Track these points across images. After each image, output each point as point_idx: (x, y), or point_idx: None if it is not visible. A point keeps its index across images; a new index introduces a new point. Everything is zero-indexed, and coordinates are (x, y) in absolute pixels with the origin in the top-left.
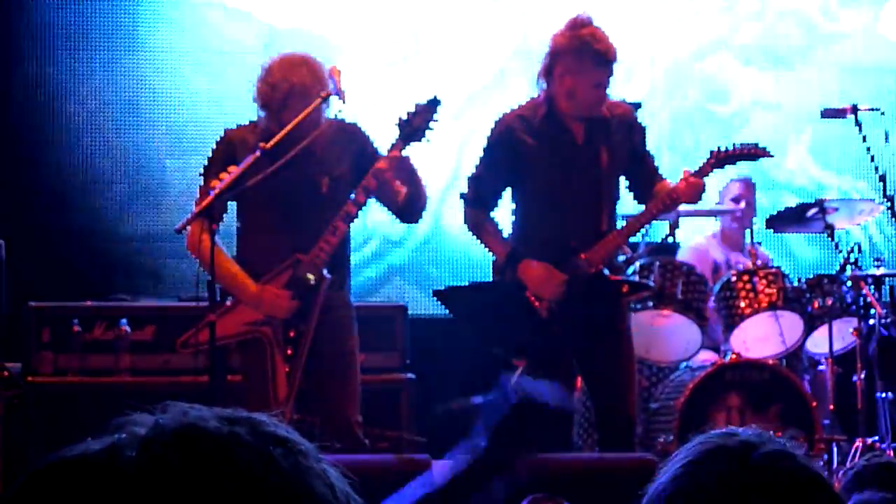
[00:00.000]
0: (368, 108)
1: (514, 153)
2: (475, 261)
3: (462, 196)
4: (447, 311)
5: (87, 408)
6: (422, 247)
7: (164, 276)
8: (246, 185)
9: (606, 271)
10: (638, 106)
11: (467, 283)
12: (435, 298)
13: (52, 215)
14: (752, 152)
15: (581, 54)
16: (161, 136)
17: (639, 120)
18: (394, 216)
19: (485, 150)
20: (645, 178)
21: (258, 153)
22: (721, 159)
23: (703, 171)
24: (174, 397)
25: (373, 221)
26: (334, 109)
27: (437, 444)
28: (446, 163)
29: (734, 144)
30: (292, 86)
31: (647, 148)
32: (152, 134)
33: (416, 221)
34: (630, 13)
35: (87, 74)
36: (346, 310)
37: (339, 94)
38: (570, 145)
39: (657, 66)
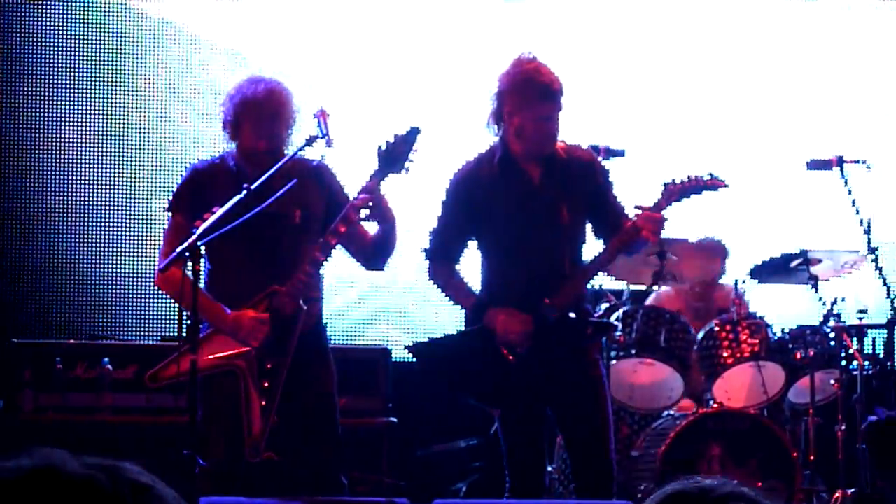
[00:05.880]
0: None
1: (471, 202)
2: None
3: (424, 251)
4: (420, 367)
5: (68, 446)
6: (407, 291)
7: (146, 315)
8: (231, 224)
9: (572, 315)
10: (621, 154)
11: (437, 337)
12: (409, 354)
13: (35, 253)
14: (708, 183)
15: (525, 89)
16: (146, 175)
17: (601, 162)
18: (358, 262)
19: (443, 202)
20: (610, 220)
21: (244, 193)
22: (677, 192)
23: (659, 206)
24: (155, 436)
25: (358, 264)
26: (320, 152)
27: (418, 488)
28: (432, 205)
29: (689, 176)
30: (244, 98)
31: (612, 190)
32: (137, 173)
33: (382, 268)
34: (618, 61)
35: (71, 112)
36: (322, 349)
37: (327, 137)
38: (526, 188)
39: (645, 113)
